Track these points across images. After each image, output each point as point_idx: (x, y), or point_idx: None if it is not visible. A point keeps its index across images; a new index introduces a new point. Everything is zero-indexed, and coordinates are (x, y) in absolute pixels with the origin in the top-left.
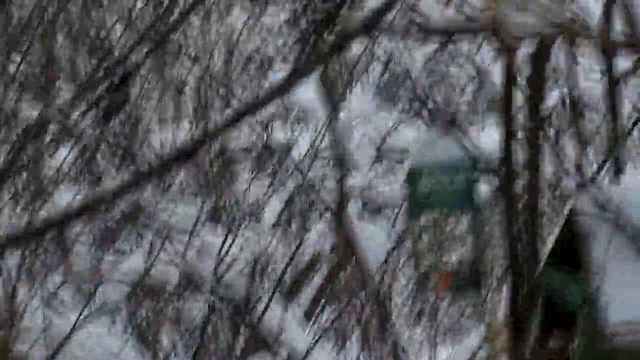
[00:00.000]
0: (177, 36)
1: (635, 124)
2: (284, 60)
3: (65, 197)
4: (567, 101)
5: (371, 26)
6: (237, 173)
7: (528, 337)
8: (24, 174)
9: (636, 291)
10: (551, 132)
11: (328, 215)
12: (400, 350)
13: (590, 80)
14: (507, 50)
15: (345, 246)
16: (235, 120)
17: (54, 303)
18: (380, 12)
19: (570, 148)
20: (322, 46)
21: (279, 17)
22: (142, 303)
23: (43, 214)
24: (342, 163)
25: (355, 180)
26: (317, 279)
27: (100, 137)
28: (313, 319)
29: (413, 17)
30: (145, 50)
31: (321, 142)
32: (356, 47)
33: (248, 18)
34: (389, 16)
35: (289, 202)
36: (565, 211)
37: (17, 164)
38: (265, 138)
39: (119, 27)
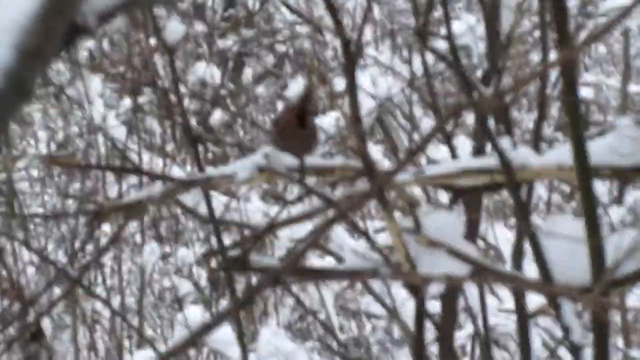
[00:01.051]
0: (90, 274)
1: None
2: (197, 298)
3: None
4: (479, 337)
5: (283, 274)
6: None
7: None
8: None
9: None
10: None
11: None
12: None
13: (501, 316)
14: (417, 289)
15: None
16: None
17: None
18: (292, 261)
19: None
20: (234, 298)
21: (191, 257)
22: None
23: None
24: None
25: None
26: None
27: None
28: None
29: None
30: (59, 289)
31: None
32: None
33: (161, 257)
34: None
35: None
36: None
37: None
38: None
39: (31, 269)
